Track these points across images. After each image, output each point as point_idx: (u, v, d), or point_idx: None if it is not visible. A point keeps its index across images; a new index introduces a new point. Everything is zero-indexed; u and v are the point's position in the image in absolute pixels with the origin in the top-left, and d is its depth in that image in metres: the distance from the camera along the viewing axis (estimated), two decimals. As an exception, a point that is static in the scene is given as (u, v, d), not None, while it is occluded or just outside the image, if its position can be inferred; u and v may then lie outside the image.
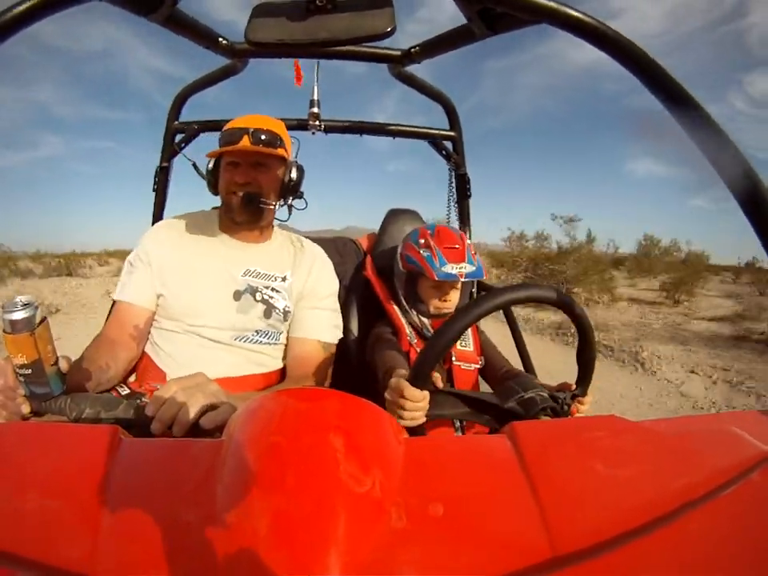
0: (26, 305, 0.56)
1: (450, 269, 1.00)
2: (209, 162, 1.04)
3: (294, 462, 0.34)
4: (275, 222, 1.12)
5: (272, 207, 0.99)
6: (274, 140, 0.97)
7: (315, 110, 1.25)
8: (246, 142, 0.94)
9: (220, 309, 0.97)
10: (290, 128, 1.48)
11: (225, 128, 1.00)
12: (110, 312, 1.04)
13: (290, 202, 1.05)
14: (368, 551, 0.30)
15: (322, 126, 1.32)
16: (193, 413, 0.59)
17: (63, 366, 0.63)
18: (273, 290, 1.01)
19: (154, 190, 1.47)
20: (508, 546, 0.33)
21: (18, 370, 0.58)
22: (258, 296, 1.00)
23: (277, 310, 1.01)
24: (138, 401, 0.62)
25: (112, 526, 0.33)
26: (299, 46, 0.58)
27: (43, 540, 0.31)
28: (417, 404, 0.68)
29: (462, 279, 1.02)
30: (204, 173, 1.05)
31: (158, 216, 1.49)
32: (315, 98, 1.24)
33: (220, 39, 0.99)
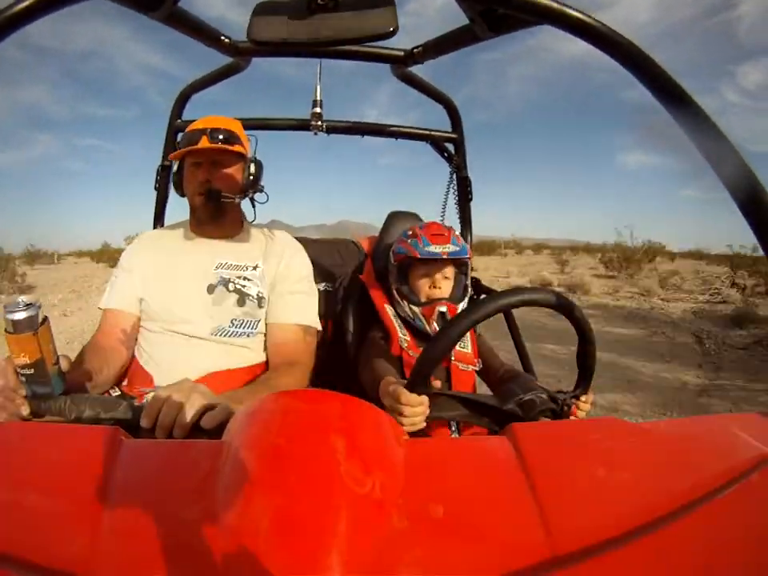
0: (28, 305, 0.56)
1: (434, 248, 1.05)
2: (172, 164, 1.11)
3: (295, 464, 0.34)
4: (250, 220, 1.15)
5: (233, 200, 1.04)
6: (231, 138, 1.02)
7: (317, 110, 1.25)
8: (204, 141, 0.99)
9: (195, 304, 1.00)
10: (292, 128, 1.48)
11: (185, 131, 1.06)
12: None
13: (250, 195, 1.09)
14: (369, 551, 0.30)
15: (324, 127, 1.32)
16: (192, 414, 0.59)
17: (64, 365, 0.63)
18: (245, 278, 1.04)
19: (155, 188, 1.47)
20: (508, 547, 0.33)
21: (19, 370, 0.58)
22: (231, 286, 1.03)
23: (250, 297, 1.03)
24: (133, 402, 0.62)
25: (112, 526, 0.33)
26: (301, 44, 0.58)
27: (43, 540, 0.31)
28: (415, 409, 0.67)
29: (446, 257, 1.06)
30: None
31: (159, 214, 1.49)
32: (317, 98, 1.23)
33: (222, 37, 0.99)
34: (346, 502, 0.32)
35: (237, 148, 1.02)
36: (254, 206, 1.12)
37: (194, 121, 1.40)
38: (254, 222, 1.15)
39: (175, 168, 1.09)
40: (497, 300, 0.65)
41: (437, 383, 0.73)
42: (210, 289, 1.02)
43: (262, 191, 1.10)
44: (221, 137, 1.00)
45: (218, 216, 1.05)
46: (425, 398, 0.68)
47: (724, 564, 0.34)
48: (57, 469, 0.37)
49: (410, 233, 1.13)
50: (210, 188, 1.01)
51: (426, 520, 0.34)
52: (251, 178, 1.05)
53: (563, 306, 0.67)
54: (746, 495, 0.40)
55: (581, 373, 0.76)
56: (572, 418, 0.77)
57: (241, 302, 1.02)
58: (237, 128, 1.06)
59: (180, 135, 1.44)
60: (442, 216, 1.57)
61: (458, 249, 1.07)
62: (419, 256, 1.06)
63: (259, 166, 1.07)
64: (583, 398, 0.78)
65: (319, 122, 1.28)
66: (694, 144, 0.57)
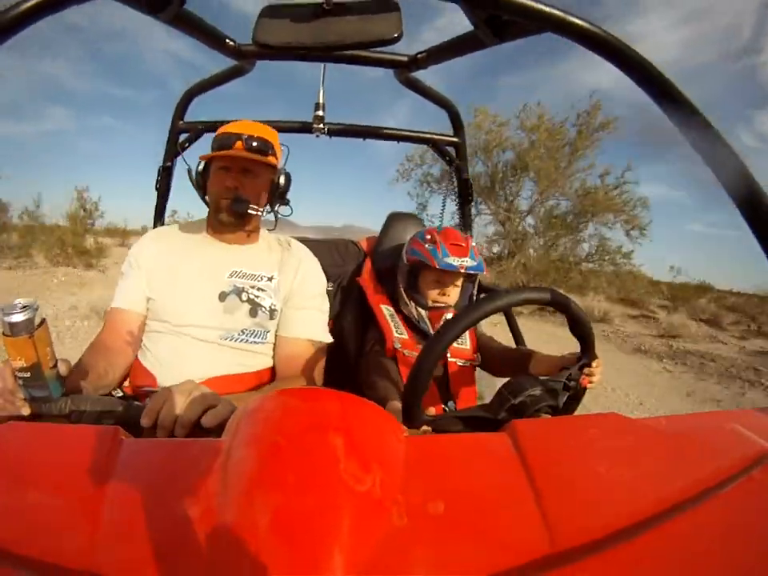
0: (25, 307, 0.55)
1: (452, 260, 1.04)
2: (199, 164, 1.06)
3: (295, 462, 0.34)
4: (263, 227, 1.13)
5: (259, 214, 1.01)
6: (266, 147, 0.99)
7: (320, 113, 1.26)
8: (239, 147, 0.96)
9: (206, 310, 0.97)
10: (294, 130, 1.49)
11: (218, 132, 1.02)
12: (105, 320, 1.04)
13: (276, 208, 1.07)
14: (369, 549, 0.30)
15: (326, 130, 1.33)
16: (194, 412, 0.59)
17: (62, 369, 0.62)
18: (259, 289, 1.01)
19: (156, 189, 1.47)
20: (508, 544, 0.33)
21: (17, 373, 0.57)
22: (244, 296, 0.99)
23: (263, 309, 1.01)
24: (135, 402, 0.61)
25: (113, 524, 0.33)
26: (306, 48, 0.59)
27: (44, 539, 0.31)
28: None
29: (463, 271, 1.05)
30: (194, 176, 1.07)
31: (159, 215, 1.49)
32: (320, 101, 1.25)
33: (227, 40, 0.99)
34: (345, 500, 0.32)
35: (270, 159, 0.99)
36: (276, 218, 1.09)
37: (194, 122, 1.41)
38: (272, 231, 1.13)
39: (201, 168, 1.05)
40: (490, 303, 0.64)
41: (431, 410, 0.72)
42: (222, 296, 0.98)
43: (287, 204, 1.09)
44: (255, 145, 0.97)
45: (240, 223, 1.02)
46: (424, 428, 0.67)
47: (725, 559, 0.34)
48: (57, 469, 0.37)
49: (429, 237, 1.12)
50: (237, 195, 0.97)
51: (426, 517, 0.34)
52: (279, 190, 1.03)
53: (559, 303, 0.67)
54: (748, 490, 0.40)
55: (581, 343, 0.76)
56: (588, 386, 0.77)
57: (253, 313, 0.99)
58: (272, 137, 1.03)
59: (182, 136, 1.45)
60: (440, 217, 1.57)
61: (475, 264, 1.06)
62: (437, 266, 1.05)
63: (288, 178, 1.05)
64: (594, 363, 0.77)
65: (321, 125, 1.29)
66: (697, 151, 0.58)
